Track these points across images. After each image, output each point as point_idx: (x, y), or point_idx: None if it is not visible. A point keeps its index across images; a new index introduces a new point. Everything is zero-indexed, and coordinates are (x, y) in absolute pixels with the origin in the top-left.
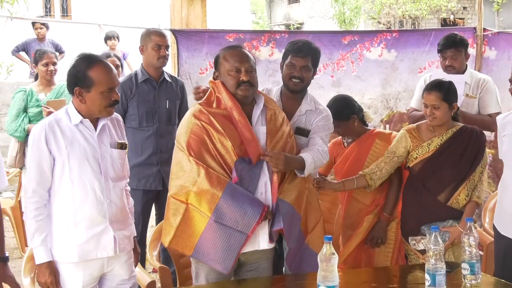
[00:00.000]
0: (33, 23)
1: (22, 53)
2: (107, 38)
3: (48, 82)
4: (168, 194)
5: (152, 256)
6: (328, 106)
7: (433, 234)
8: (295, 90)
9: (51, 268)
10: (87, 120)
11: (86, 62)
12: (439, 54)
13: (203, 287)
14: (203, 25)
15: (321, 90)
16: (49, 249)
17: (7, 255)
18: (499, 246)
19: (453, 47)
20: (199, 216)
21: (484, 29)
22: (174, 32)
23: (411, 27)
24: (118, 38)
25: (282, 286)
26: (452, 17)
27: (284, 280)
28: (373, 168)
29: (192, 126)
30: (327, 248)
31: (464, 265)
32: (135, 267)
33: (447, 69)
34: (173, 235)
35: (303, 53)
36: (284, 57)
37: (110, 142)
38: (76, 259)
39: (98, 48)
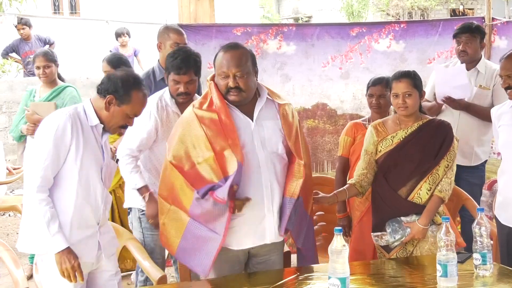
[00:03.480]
0: (15, 25)
1: (13, 54)
2: (118, 35)
3: (50, 84)
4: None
5: None
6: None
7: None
8: (184, 103)
9: (72, 252)
10: (101, 126)
11: (136, 81)
12: (454, 40)
13: (214, 280)
14: (211, 20)
15: (330, 82)
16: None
17: None
18: (501, 236)
19: (468, 32)
20: (180, 217)
21: (493, 19)
22: (181, 27)
23: (420, 18)
24: (128, 34)
25: (292, 279)
26: (461, 7)
27: (295, 273)
28: (359, 176)
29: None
30: (337, 240)
31: (475, 255)
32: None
33: (460, 54)
34: (161, 233)
35: (184, 70)
36: (167, 72)
37: (109, 154)
38: None
39: (107, 45)
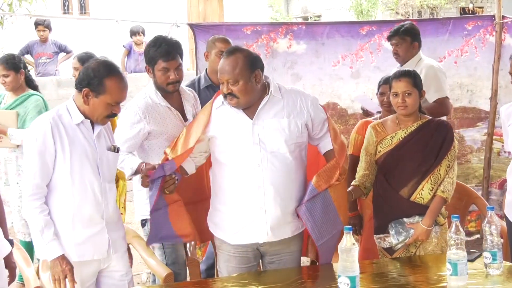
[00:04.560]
0: (36, 26)
1: (28, 56)
2: (133, 33)
3: (16, 91)
4: None
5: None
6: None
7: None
8: (174, 91)
9: (67, 259)
10: (88, 121)
11: (107, 69)
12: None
13: (223, 278)
14: (220, 19)
15: (340, 82)
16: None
17: (11, 239)
18: (511, 235)
19: (396, 35)
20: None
21: (503, 17)
22: (191, 26)
23: (429, 17)
24: (143, 33)
25: (302, 277)
26: (471, 5)
27: (304, 272)
28: (362, 177)
29: None
30: (347, 239)
31: (485, 254)
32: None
33: (394, 56)
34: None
35: (173, 55)
36: (152, 63)
37: (105, 145)
38: (75, 258)
39: (117, 44)
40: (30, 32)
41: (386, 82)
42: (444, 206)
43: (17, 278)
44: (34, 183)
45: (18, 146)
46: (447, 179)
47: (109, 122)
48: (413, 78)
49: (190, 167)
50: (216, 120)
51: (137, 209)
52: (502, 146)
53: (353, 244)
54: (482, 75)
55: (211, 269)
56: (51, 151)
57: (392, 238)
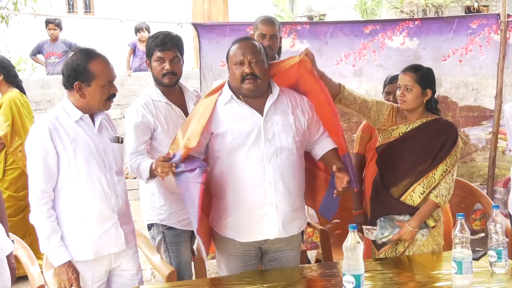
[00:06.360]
0: (46, 24)
1: (39, 56)
2: (137, 30)
3: None
4: None
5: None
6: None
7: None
8: (170, 84)
9: (73, 266)
10: (87, 116)
11: (86, 54)
12: None
13: (227, 277)
14: (224, 18)
15: (343, 80)
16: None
17: (11, 239)
18: None
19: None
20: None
21: (509, 15)
22: (195, 25)
23: (434, 15)
24: (148, 30)
25: (306, 276)
26: (476, 4)
27: (309, 270)
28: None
29: None
30: (352, 237)
31: (490, 253)
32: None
33: None
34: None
35: (169, 45)
36: (149, 55)
37: (109, 137)
38: (91, 256)
39: (122, 43)
40: (35, 31)
41: (391, 81)
42: (438, 209)
43: None
44: (40, 187)
45: None
46: (443, 183)
47: (109, 113)
48: (417, 74)
49: None
50: (225, 116)
51: (143, 212)
52: (507, 144)
53: (358, 242)
54: (487, 73)
55: None
56: (53, 154)
57: (377, 232)
